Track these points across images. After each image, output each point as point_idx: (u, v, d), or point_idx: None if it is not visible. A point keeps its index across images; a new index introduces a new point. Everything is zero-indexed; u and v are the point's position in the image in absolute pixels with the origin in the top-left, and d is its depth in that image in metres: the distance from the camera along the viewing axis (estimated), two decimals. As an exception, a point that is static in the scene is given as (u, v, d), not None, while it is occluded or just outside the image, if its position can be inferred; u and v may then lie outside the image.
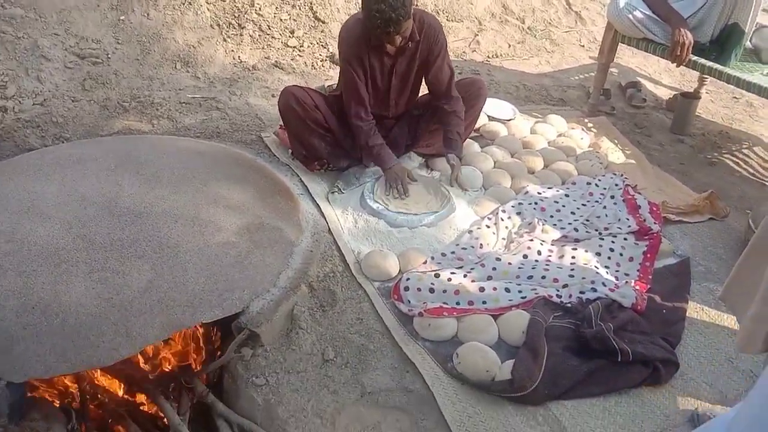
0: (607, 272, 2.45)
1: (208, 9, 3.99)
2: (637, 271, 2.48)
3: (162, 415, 2.10)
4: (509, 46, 4.53)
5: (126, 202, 2.38)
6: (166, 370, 2.18)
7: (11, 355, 1.88)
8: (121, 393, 2.20)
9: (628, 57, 4.54)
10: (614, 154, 3.33)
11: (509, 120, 3.48)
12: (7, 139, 3.06)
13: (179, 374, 2.18)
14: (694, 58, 3.21)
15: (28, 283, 2.04)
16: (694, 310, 2.35)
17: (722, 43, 3.29)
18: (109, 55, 3.65)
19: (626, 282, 2.38)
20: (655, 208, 2.79)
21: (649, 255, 2.55)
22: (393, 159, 2.78)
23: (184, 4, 3.93)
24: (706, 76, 3.68)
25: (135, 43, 3.75)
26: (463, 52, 4.37)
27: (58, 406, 2.07)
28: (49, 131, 3.15)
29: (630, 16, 3.31)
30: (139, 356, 2.16)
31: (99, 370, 2.12)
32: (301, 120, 2.73)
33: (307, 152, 2.87)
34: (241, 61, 3.92)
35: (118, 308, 2.00)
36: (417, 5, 4.41)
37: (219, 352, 2.23)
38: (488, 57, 4.39)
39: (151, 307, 2.03)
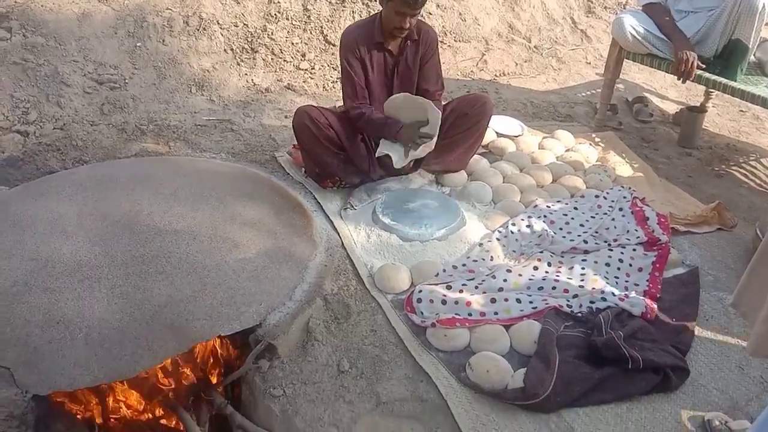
0: (617, 282, 2.48)
1: (221, 35, 4.11)
2: (647, 281, 2.51)
3: (182, 427, 2.15)
4: (516, 64, 4.61)
5: (146, 221, 2.46)
6: (185, 383, 2.23)
7: (37, 369, 1.94)
8: (141, 406, 2.25)
9: (634, 73, 4.60)
10: (622, 167, 3.37)
11: (517, 136, 3.54)
12: (29, 162, 3.16)
13: (198, 387, 2.23)
14: (698, 72, 3.26)
15: (53, 299, 2.11)
16: (704, 318, 2.38)
17: (726, 58, 3.33)
18: (127, 81, 3.77)
19: (635, 291, 2.42)
20: (663, 219, 2.82)
21: (658, 265, 2.58)
22: (398, 123, 2.84)
23: (198, 30, 4.04)
24: (712, 90, 3.73)
25: (151, 69, 3.86)
26: (471, 71, 4.45)
27: (80, 419, 2.13)
28: (69, 154, 3.24)
29: (634, 32, 3.38)
30: (159, 370, 2.21)
31: (121, 384, 2.17)
32: (315, 138, 2.81)
33: (320, 170, 2.95)
34: (255, 84, 4.02)
35: (139, 322, 2.07)
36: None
37: (237, 365, 2.28)
38: (495, 76, 4.47)
39: (171, 321, 2.09)
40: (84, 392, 2.13)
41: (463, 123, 3.00)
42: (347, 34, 2.86)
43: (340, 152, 2.88)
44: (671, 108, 4.27)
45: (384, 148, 2.85)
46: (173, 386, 2.21)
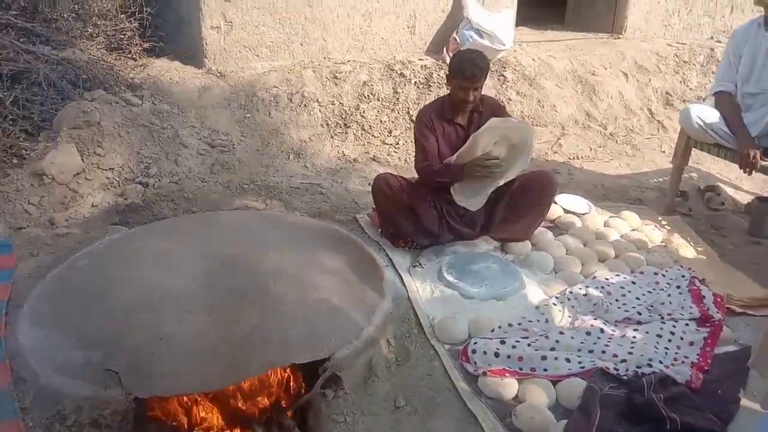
0: (666, 353, 2.60)
1: (320, 111, 4.62)
2: (697, 354, 2.61)
3: (254, 444, 2.42)
4: (590, 149, 4.84)
5: (242, 261, 2.84)
6: (260, 404, 2.52)
7: (139, 375, 2.29)
8: (222, 422, 2.54)
9: (710, 163, 4.71)
10: (685, 249, 3.47)
11: (584, 214, 3.73)
12: (146, 209, 3.67)
13: (271, 409, 2.51)
14: (764, 163, 3.39)
15: (158, 319, 2.49)
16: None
17: (793, 149, 3.45)
18: (235, 146, 4.30)
19: (683, 362, 2.52)
20: (719, 299, 2.92)
21: (709, 341, 2.67)
22: (459, 165, 3.11)
23: (300, 106, 4.57)
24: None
25: (257, 137, 4.39)
26: (545, 153, 4.72)
27: (170, 426, 2.45)
28: (181, 205, 3.73)
29: (700, 122, 3.57)
30: (239, 390, 2.51)
31: (206, 399, 2.49)
32: (390, 201, 3.16)
33: (394, 230, 3.27)
34: (345, 155, 4.47)
35: (228, 344, 2.40)
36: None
37: (305, 392, 2.55)
38: (569, 158, 4.71)
39: (255, 345, 2.41)
40: (174, 403, 2.46)
41: (530, 196, 3.25)
42: (422, 111, 3.27)
43: (412, 215, 3.19)
44: (745, 198, 4.34)
45: (460, 197, 3.14)
46: (250, 406, 2.50)
